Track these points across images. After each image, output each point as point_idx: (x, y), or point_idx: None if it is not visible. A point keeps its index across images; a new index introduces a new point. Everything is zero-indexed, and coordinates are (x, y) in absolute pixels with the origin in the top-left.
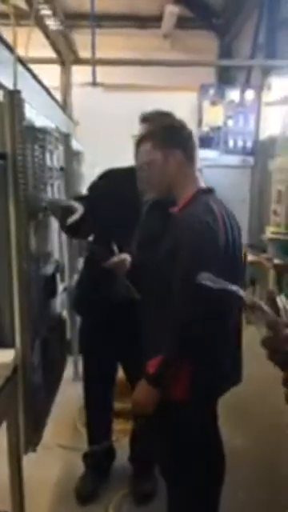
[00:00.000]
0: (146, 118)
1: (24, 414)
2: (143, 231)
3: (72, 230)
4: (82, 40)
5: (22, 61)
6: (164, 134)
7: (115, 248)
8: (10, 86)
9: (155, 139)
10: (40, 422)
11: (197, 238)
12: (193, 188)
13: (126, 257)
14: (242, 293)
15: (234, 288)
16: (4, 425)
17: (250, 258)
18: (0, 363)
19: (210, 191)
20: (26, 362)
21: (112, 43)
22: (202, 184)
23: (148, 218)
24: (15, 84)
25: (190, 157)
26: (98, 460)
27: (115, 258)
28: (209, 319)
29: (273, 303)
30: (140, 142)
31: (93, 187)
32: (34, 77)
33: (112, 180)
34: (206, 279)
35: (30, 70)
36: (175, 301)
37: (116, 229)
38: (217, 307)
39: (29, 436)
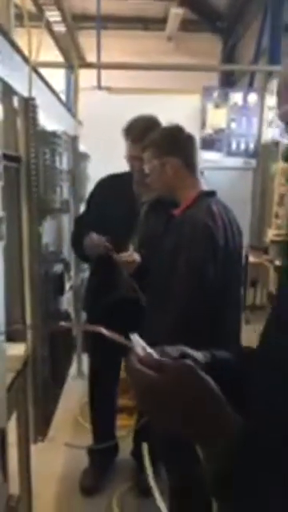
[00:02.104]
0: (127, 131)
1: (33, 405)
2: (144, 231)
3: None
4: (86, 41)
5: (35, 69)
6: (161, 143)
7: (131, 248)
8: (25, 93)
9: (154, 148)
10: (48, 414)
11: (197, 239)
12: (194, 191)
13: (137, 257)
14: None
15: (126, 342)
16: (13, 417)
17: (252, 259)
18: (12, 356)
19: (212, 194)
20: (36, 355)
21: (117, 45)
22: (204, 187)
23: (148, 218)
24: (30, 92)
25: (189, 162)
26: (102, 454)
27: (128, 255)
28: (210, 322)
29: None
30: (144, 150)
31: (93, 194)
32: (46, 82)
33: (109, 186)
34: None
35: (42, 77)
36: (175, 297)
37: (116, 230)
38: (217, 313)
39: (38, 427)
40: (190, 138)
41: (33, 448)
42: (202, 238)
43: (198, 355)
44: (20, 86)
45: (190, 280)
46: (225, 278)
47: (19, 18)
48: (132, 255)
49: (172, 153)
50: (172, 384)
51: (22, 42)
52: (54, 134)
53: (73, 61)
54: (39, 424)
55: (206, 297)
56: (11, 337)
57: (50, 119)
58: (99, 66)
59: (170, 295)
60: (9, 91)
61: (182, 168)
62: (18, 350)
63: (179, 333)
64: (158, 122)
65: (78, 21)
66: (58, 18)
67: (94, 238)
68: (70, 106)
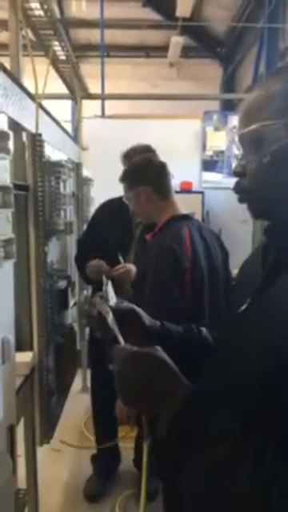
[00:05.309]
0: (125, 158)
1: (39, 410)
2: (137, 250)
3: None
4: (91, 69)
5: (41, 105)
6: (132, 175)
7: (121, 258)
8: (32, 129)
9: (126, 180)
10: (53, 419)
11: (162, 262)
12: (166, 215)
13: (131, 266)
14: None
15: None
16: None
17: None
18: (20, 363)
19: (185, 217)
20: (42, 363)
21: (120, 71)
22: (180, 211)
23: (141, 238)
24: (37, 127)
25: (160, 189)
26: (105, 463)
27: (121, 268)
28: None
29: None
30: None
31: (94, 217)
32: (51, 116)
33: (108, 209)
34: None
35: (47, 112)
36: None
37: (114, 250)
38: None
39: (44, 430)
40: (159, 166)
41: (39, 457)
42: (167, 261)
43: (147, 318)
44: (28, 123)
45: (156, 302)
46: (193, 299)
47: (24, 48)
48: (125, 265)
49: (143, 182)
50: (142, 364)
51: (28, 71)
52: (58, 164)
53: (76, 92)
54: (45, 427)
55: (173, 319)
56: (20, 346)
57: (55, 149)
58: (102, 98)
59: None
60: (18, 128)
61: (153, 195)
62: (25, 357)
63: None
64: (151, 150)
65: (83, 50)
66: (61, 53)
67: (94, 264)
68: (75, 133)
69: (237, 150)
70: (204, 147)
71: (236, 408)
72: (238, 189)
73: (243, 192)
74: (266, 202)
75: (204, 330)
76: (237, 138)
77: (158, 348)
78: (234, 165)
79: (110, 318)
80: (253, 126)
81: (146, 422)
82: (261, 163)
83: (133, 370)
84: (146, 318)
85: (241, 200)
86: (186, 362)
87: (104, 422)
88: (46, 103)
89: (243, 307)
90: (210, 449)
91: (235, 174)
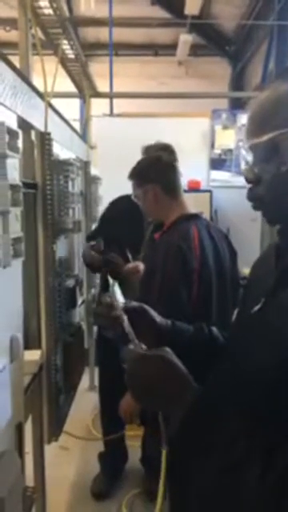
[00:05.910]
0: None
1: (47, 408)
2: (147, 249)
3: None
4: (99, 68)
5: (50, 104)
6: (140, 173)
7: (129, 255)
8: (41, 127)
9: (135, 178)
10: (61, 417)
11: (169, 261)
12: (175, 215)
13: (139, 264)
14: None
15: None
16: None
17: None
18: (28, 361)
19: (194, 217)
20: (50, 361)
21: (128, 70)
22: (188, 210)
23: (152, 237)
24: (46, 126)
25: (168, 188)
26: (113, 461)
27: (130, 265)
28: None
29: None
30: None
31: (104, 214)
32: (60, 115)
33: (119, 206)
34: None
35: (56, 110)
36: None
37: (124, 248)
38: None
39: (51, 428)
40: (168, 165)
41: (47, 455)
42: (174, 260)
43: (158, 317)
44: (37, 122)
45: (164, 302)
46: (201, 298)
47: (34, 47)
48: (134, 262)
49: (151, 181)
50: (154, 365)
51: (37, 70)
52: (67, 162)
53: (84, 91)
54: (52, 425)
55: (181, 318)
56: (28, 344)
57: (63, 147)
58: (111, 96)
59: None
60: (27, 127)
61: (161, 194)
62: (34, 355)
63: None
64: (170, 149)
65: (92, 48)
66: (70, 51)
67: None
68: (84, 132)
69: (243, 150)
70: (212, 145)
71: (246, 408)
72: (251, 196)
73: (258, 200)
74: (283, 210)
75: (214, 329)
76: (247, 145)
77: (168, 350)
78: (242, 166)
79: (126, 318)
80: (267, 136)
81: (163, 429)
82: (278, 172)
83: (142, 372)
84: (157, 317)
85: (256, 208)
86: (196, 361)
87: (111, 420)
88: (54, 102)
89: (257, 307)
90: (220, 449)
91: (247, 181)
